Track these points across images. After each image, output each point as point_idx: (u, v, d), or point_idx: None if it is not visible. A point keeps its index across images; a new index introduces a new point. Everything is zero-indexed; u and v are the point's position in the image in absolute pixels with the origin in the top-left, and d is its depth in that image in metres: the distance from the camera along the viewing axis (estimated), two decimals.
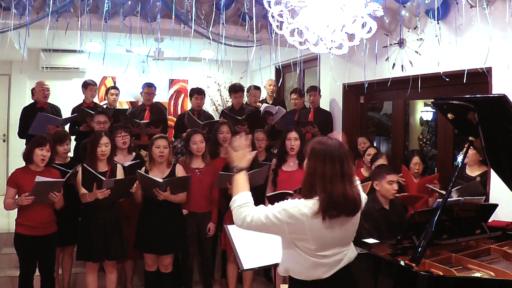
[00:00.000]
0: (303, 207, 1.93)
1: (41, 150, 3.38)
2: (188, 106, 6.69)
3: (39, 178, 3.22)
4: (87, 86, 5.32)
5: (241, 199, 2.02)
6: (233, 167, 2.11)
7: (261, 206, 2.01)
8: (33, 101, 5.12)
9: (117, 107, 5.76)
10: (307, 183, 1.99)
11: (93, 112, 4.63)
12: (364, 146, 4.71)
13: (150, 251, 3.70)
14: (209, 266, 4.14)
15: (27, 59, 6.80)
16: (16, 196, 3.38)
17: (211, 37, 4.35)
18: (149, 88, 5.46)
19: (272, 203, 3.24)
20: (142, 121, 5.03)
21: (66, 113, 5.23)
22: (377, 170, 3.43)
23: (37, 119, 4.49)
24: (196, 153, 3.92)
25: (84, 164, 3.45)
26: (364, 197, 2.11)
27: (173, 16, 4.13)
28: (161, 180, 3.52)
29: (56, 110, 5.11)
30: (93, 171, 3.39)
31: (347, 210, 1.95)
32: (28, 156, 3.42)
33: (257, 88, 5.82)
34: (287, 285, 2.19)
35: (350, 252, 2.11)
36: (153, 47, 6.51)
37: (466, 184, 3.51)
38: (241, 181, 2.08)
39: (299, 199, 1.99)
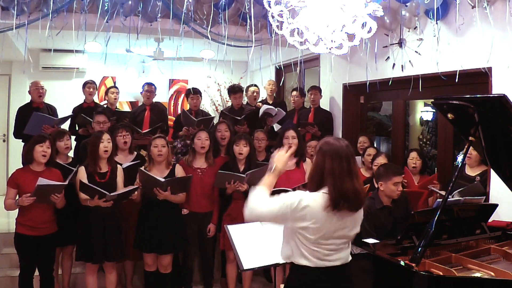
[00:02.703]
0: (308, 198, 2.05)
1: (41, 146, 3.37)
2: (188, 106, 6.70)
3: (41, 181, 3.20)
4: (85, 85, 5.30)
5: (258, 192, 2.17)
6: (271, 167, 2.29)
7: (271, 197, 2.13)
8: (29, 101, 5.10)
9: (117, 107, 5.76)
10: (315, 178, 2.13)
11: (91, 120, 4.59)
12: (364, 145, 4.71)
13: (150, 251, 3.70)
14: (209, 266, 4.14)
15: (27, 59, 6.80)
16: (17, 197, 3.38)
17: (210, 37, 4.33)
18: (150, 87, 5.46)
19: None
20: (142, 131, 5.00)
21: (65, 113, 5.22)
22: (382, 169, 3.35)
23: (32, 119, 4.46)
24: (200, 150, 3.90)
25: (83, 181, 3.40)
26: None
27: (171, 16, 4.13)
28: (163, 179, 3.52)
29: (52, 110, 5.08)
30: (94, 186, 3.35)
31: (354, 205, 2.06)
32: (28, 155, 3.41)
33: (256, 86, 5.82)
34: None
35: (348, 253, 2.18)
36: (153, 47, 6.52)
37: (468, 186, 3.51)
38: (268, 179, 2.25)
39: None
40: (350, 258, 2.19)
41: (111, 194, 3.36)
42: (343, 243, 2.13)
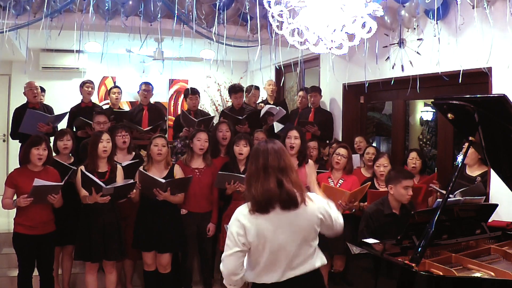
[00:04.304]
0: (242, 210, 2.00)
1: (37, 149, 3.37)
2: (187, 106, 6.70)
3: (37, 182, 3.20)
4: (83, 85, 5.27)
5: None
6: None
7: None
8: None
9: (119, 107, 5.76)
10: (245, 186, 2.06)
11: (91, 122, 4.59)
12: (360, 145, 4.72)
13: (149, 249, 3.70)
14: (209, 266, 4.14)
15: (27, 59, 6.81)
16: (15, 197, 3.38)
17: (214, 38, 4.33)
18: (147, 86, 5.43)
19: None
20: (143, 129, 5.00)
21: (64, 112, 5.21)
22: (393, 173, 3.33)
23: (27, 117, 4.44)
24: (198, 151, 3.90)
25: (83, 170, 3.42)
26: (312, 194, 2.10)
27: (175, 17, 4.13)
28: (163, 180, 3.52)
29: (48, 110, 5.06)
30: (92, 177, 3.35)
31: (279, 202, 1.94)
32: (24, 157, 3.41)
33: (257, 88, 5.83)
34: None
35: (316, 259, 2.07)
36: (153, 47, 6.52)
37: (471, 186, 3.51)
38: None
39: None
40: (317, 265, 2.07)
41: (107, 187, 3.36)
42: (301, 246, 2.01)
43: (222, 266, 2.02)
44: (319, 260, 2.09)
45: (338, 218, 2.16)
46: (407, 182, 3.21)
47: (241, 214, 1.98)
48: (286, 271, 2.00)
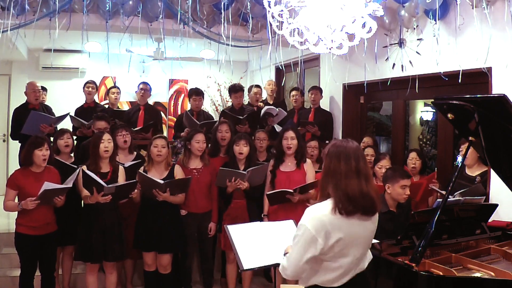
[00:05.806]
0: (321, 210, 1.91)
1: (40, 150, 3.37)
2: (188, 106, 6.69)
3: (47, 186, 3.21)
4: (84, 85, 5.30)
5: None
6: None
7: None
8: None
9: (118, 107, 5.76)
10: (322, 183, 1.98)
11: (85, 122, 4.58)
12: (367, 145, 4.71)
13: (150, 249, 3.71)
14: (209, 266, 4.15)
15: (27, 59, 6.81)
16: (16, 199, 3.38)
17: (218, 38, 4.33)
18: (144, 85, 5.44)
19: (272, 201, 3.26)
20: (134, 129, 4.99)
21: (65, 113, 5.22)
22: (390, 172, 3.34)
23: (30, 118, 4.45)
24: (196, 152, 3.90)
25: (84, 169, 3.42)
26: None
27: (177, 17, 4.13)
28: (162, 182, 3.52)
29: (48, 110, 5.07)
30: (93, 176, 3.35)
31: (363, 208, 1.90)
32: (27, 158, 3.40)
33: (258, 87, 5.82)
34: (287, 285, 2.19)
35: (366, 260, 2.08)
36: (153, 47, 6.52)
37: (470, 187, 3.51)
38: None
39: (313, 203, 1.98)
40: (366, 264, 2.06)
41: (109, 186, 3.35)
42: (363, 253, 2.02)
43: (287, 271, 1.94)
44: (367, 259, 2.09)
45: None
46: (405, 181, 3.22)
47: (322, 214, 1.89)
48: (347, 276, 1.97)
